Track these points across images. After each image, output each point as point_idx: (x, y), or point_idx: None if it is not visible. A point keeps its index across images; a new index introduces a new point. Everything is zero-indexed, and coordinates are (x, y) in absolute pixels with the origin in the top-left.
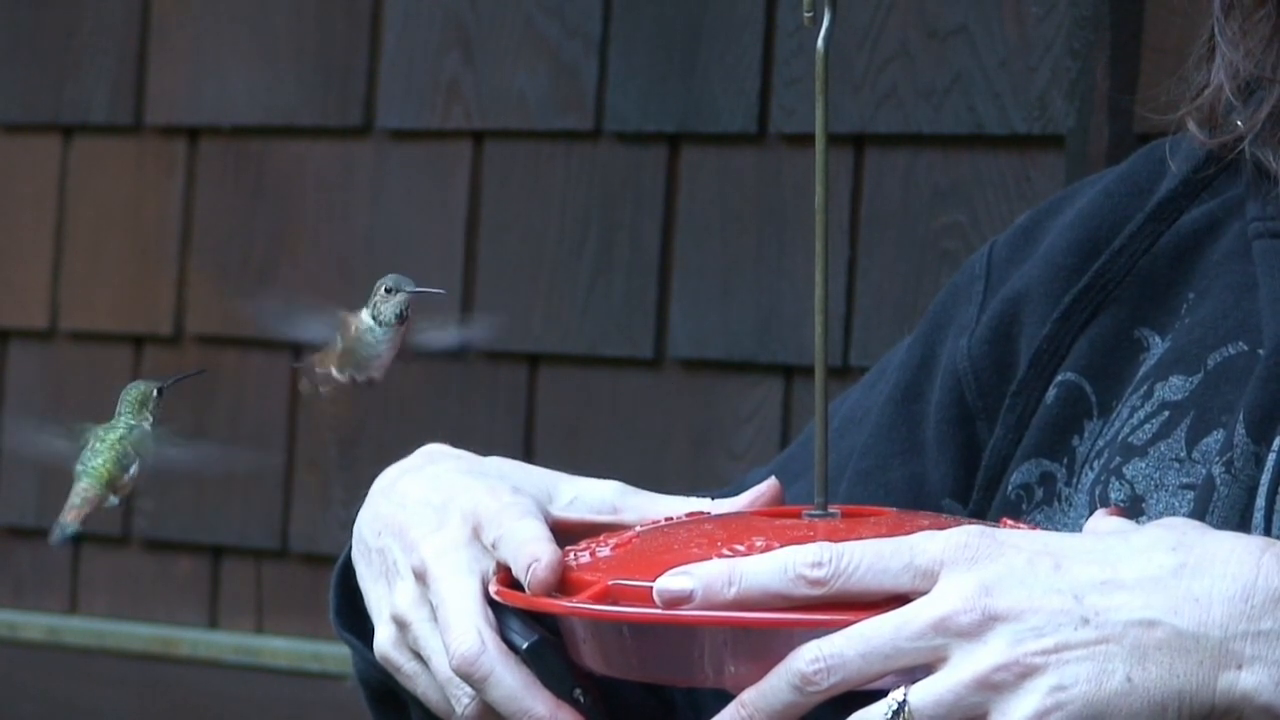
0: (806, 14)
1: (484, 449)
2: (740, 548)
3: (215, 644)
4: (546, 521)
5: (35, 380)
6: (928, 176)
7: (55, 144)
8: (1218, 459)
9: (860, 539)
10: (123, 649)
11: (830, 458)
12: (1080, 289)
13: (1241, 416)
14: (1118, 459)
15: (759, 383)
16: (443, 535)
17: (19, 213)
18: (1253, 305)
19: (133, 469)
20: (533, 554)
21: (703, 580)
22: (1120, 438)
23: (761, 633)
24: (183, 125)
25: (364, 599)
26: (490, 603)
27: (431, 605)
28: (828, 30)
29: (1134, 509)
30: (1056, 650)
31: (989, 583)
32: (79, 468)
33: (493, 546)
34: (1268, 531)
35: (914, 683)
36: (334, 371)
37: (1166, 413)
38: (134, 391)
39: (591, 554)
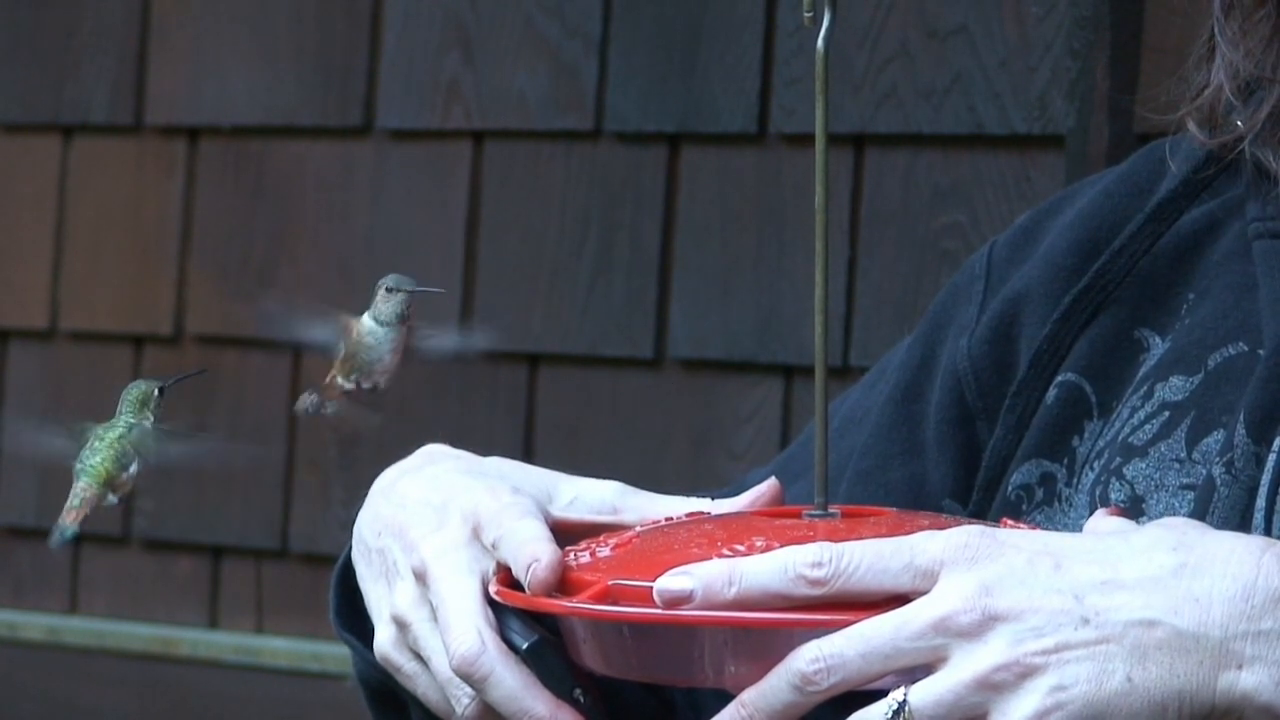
0: (806, 14)
1: (484, 449)
2: (740, 548)
3: (215, 644)
4: (546, 522)
5: (35, 380)
6: (928, 176)
7: (55, 144)
8: (1218, 459)
9: (860, 539)
10: (123, 649)
11: (830, 458)
12: (1080, 289)
13: (1242, 417)
14: (1118, 459)
15: (759, 383)
16: (443, 535)
17: (19, 213)
18: (1253, 306)
19: (132, 468)
20: (533, 554)
21: (703, 580)
22: (1120, 438)
23: (761, 633)
24: (183, 125)
25: (364, 599)
26: (490, 603)
27: (431, 605)
28: (828, 30)
29: (1134, 509)
30: (1057, 650)
31: (989, 583)
32: (78, 466)
33: (493, 546)
34: (1268, 532)
35: (914, 683)
36: (340, 380)
37: (1167, 413)
38: (135, 391)
39: (591, 554)
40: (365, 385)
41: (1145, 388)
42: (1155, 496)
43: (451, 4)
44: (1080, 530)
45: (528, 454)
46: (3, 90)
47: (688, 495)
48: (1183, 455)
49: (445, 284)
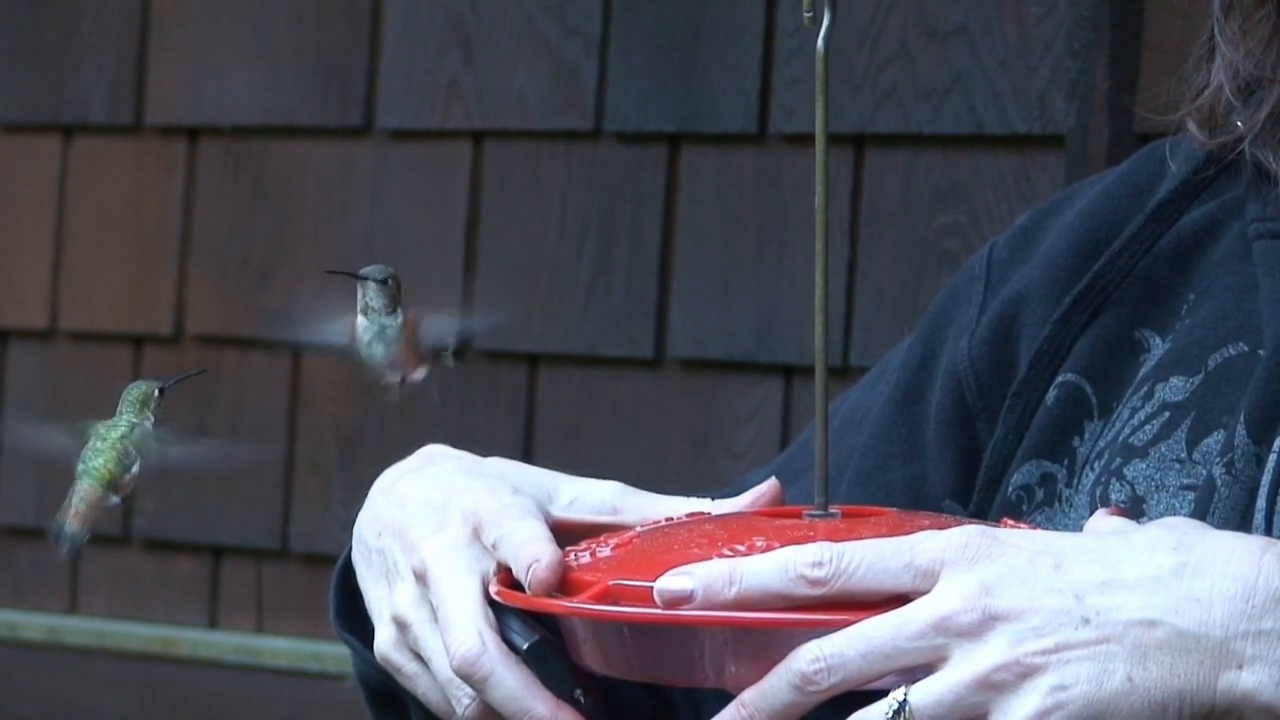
0: (806, 14)
1: (484, 449)
2: (740, 548)
3: (215, 644)
4: (547, 522)
5: (35, 380)
6: (928, 176)
7: (55, 144)
8: (1218, 460)
9: (860, 539)
10: (123, 649)
11: (830, 458)
12: (1080, 290)
13: (1242, 417)
14: (1118, 460)
15: (759, 383)
16: (443, 536)
17: (19, 213)
18: (1253, 306)
19: (134, 468)
20: (533, 554)
21: (703, 580)
22: (1121, 439)
23: (762, 633)
24: (183, 125)
25: (364, 600)
26: (491, 603)
27: (432, 606)
28: (828, 30)
29: (1135, 510)
30: (1057, 650)
31: (989, 582)
32: (80, 467)
33: (493, 547)
34: (1268, 532)
35: (914, 682)
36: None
37: (1167, 414)
38: (136, 391)
39: (592, 554)
40: (395, 379)
41: (1145, 388)
42: (1156, 497)
43: (451, 4)
44: (1080, 530)
45: (528, 454)
46: (3, 90)
47: (688, 495)
48: (1183, 456)
49: (445, 284)
